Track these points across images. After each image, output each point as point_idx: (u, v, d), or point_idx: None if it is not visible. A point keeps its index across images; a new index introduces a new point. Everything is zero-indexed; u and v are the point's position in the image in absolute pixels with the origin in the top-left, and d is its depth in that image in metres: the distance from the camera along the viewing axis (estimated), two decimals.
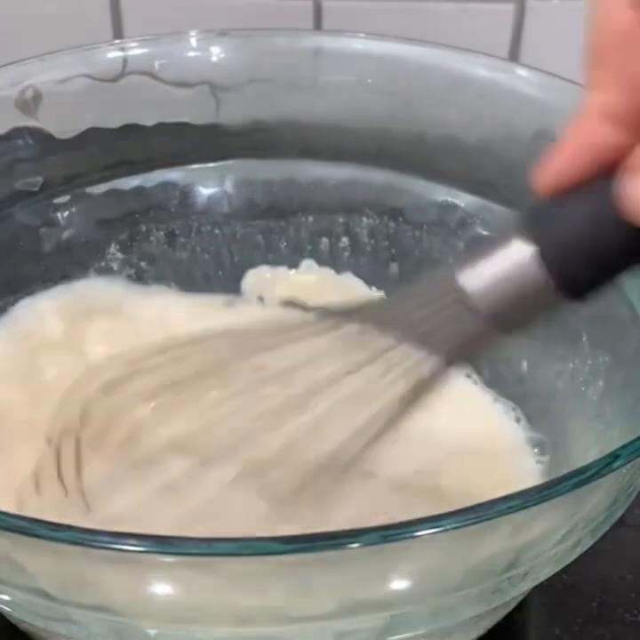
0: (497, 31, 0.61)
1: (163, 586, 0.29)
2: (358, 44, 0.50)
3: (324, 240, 0.53)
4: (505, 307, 0.30)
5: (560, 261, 0.29)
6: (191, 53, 0.51)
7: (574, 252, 0.29)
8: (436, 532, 0.27)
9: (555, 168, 0.29)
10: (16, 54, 0.48)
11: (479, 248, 0.31)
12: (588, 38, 0.28)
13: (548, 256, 0.29)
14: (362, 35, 0.50)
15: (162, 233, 0.53)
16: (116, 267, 0.53)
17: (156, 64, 0.50)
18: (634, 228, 0.28)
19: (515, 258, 0.30)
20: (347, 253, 0.53)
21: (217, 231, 0.54)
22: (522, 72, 0.47)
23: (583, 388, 0.44)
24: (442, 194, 0.51)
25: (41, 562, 0.29)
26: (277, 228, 0.54)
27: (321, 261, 0.54)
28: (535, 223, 0.30)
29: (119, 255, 0.53)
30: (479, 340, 0.31)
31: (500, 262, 0.30)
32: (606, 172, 0.28)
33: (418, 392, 0.33)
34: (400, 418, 0.34)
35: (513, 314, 0.30)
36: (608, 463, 0.29)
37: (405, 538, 0.27)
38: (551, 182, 0.29)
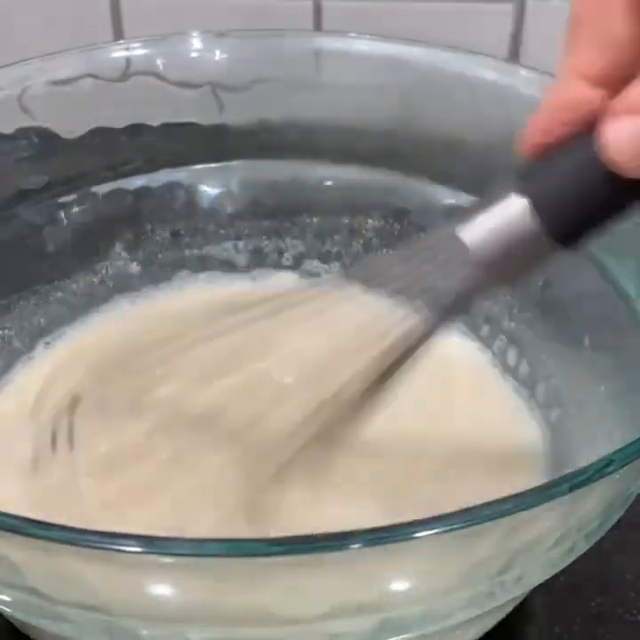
0: (497, 31, 0.61)
1: (152, 586, 0.29)
2: (363, 45, 0.50)
3: (329, 241, 0.53)
4: (502, 257, 0.32)
5: (551, 211, 0.31)
6: (195, 54, 0.51)
7: (564, 201, 0.31)
8: (428, 534, 0.27)
9: (539, 126, 0.31)
10: (16, 54, 0.48)
11: (476, 205, 0.33)
12: (571, 7, 0.30)
13: (540, 206, 0.31)
14: (367, 36, 0.50)
15: (167, 233, 0.53)
16: (120, 266, 0.53)
17: (160, 64, 0.50)
18: (617, 176, 0.30)
19: (509, 211, 0.32)
20: (352, 255, 0.53)
21: (222, 231, 0.54)
22: (525, 73, 0.47)
23: (584, 392, 0.44)
24: (447, 196, 0.51)
25: (32, 560, 0.29)
26: (282, 229, 0.54)
27: (326, 262, 0.54)
28: (526, 178, 0.32)
29: (124, 255, 0.53)
30: (477, 292, 0.33)
31: (495, 216, 0.32)
32: (589, 127, 0.30)
33: (414, 348, 0.35)
34: (397, 375, 0.35)
35: (510, 264, 0.32)
36: (602, 468, 0.29)
37: (396, 540, 0.27)
38: (537, 140, 0.31)
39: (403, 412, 0.40)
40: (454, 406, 0.47)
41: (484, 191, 0.34)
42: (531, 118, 0.31)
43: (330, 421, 0.37)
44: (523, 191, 0.31)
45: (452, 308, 0.34)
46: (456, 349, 0.49)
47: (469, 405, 0.47)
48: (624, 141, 0.29)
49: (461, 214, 0.33)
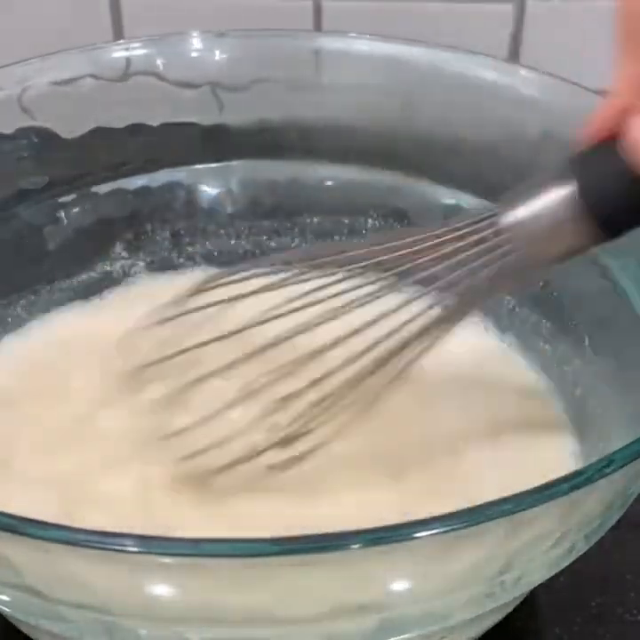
0: (497, 31, 0.61)
1: (151, 586, 0.29)
2: (363, 45, 0.50)
3: (329, 241, 0.53)
4: (545, 238, 0.34)
5: (597, 199, 0.33)
6: (195, 54, 0.51)
7: (609, 191, 0.33)
8: (427, 534, 0.27)
9: (591, 130, 0.33)
10: (16, 54, 0.48)
11: (522, 190, 0.35)
12: (617, 20, 0.32)
13: (588, 195, 0.33)
14: (367, 36, 0.50)
15: (167, 232, 0.53)
16: (120, 266, 0.53)
17: (160, 64, 0.50)
18: None
19: (556, 196, 0.34)
20: None
21: (222, 231, 0.54)
22: (526, 74, 0.47)
23: (584, 393, 0.44)
24: (447, 196, 0.51)
25: (31, 560, 0.29)
26: (282, 229, 0.54)
27: None
28: (575, 166, 0.34)
29: (124, 254, 0.53)
30: (515, 275, 0.36)
31: (543, 200, 0.34)
32: None
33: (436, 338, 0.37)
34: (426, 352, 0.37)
35: (553, 248, 0.35)
36: (602, 468, 0.29)
37: (396, 540, 0.27)
38: (591, 135, 0.33)
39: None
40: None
41: (489, 193, 0.35)
42: (587, 119, 0.34)
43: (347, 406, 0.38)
44: (571, 179, 0.34)
45: (483, 292, 0.36)
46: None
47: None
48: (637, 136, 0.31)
49: (509, 196, 0.35)
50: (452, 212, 0.50)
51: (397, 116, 0.49)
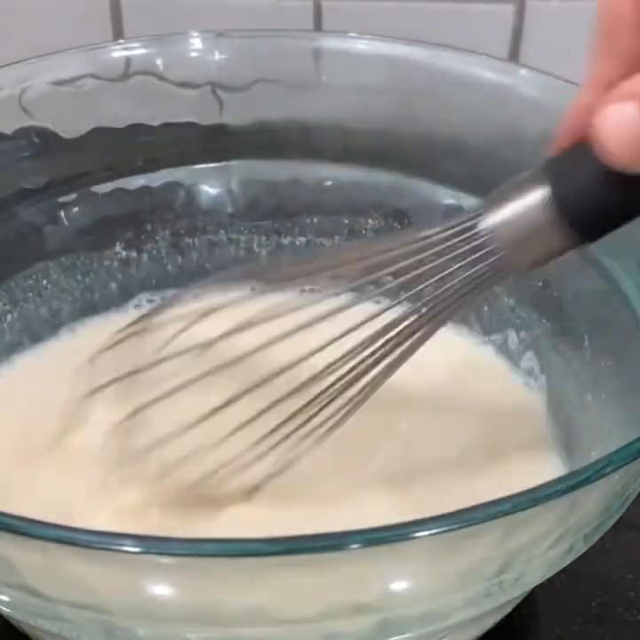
0: (497, 31, 0.61)
1: (150, 586, 0.29)
2: (363, 45, 0.50)
3: (329, 241, 0.53)
4: (521, 244, 0.34)
5: (570, 202, 0.33)
6: (195, 54, 0.51)
7: (584, 194, 0.33)
8: (426, 535, 0.27)
9: (563, 130, 0.33)
10: (16, 54, 0.48)
11: (498, 195, 0.34)
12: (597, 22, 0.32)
13: (562, 198, 0.33)
14: (367, 36, 0.50)
15: (167, 232, 0.53)
16: (120, 266, 0.53)
17: (160, 64, 0.50)
18: (622, 174, 0.31)
19: (531, 199, 0.33)
20: None
21: (222, 231, 0.54)
22: (526, 74, 0.47)
23: (584, 393, 0.44)
24: (447, 196, 0.51)
25: (30, 560, 0.29)
26: (282, 229, 0.54)
27: None
28: (550, 170, 0.33)
29: (124, 254, 0.53)
30: (491, 278, 0.35)
31: (518, 203, 0.34)
32: None
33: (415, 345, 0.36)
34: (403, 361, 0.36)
35: (529, 252, 0.34)
36: (601, 468, 0.29)
37: (395, 541, 0.27)
38: (562, 143, 0.33)
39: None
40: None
41: (489, 193, 0.35)
42: (560, 121, 0.33)
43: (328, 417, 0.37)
44: (547, 182, 0.33)
45: (461, 299, 0.35)
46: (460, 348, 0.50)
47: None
48: (610, 129, 0.30)
49: (482, 203, 0.35)
50: (452, 212, 0.50)
51: (397, 115, 0.49)
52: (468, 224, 0.34)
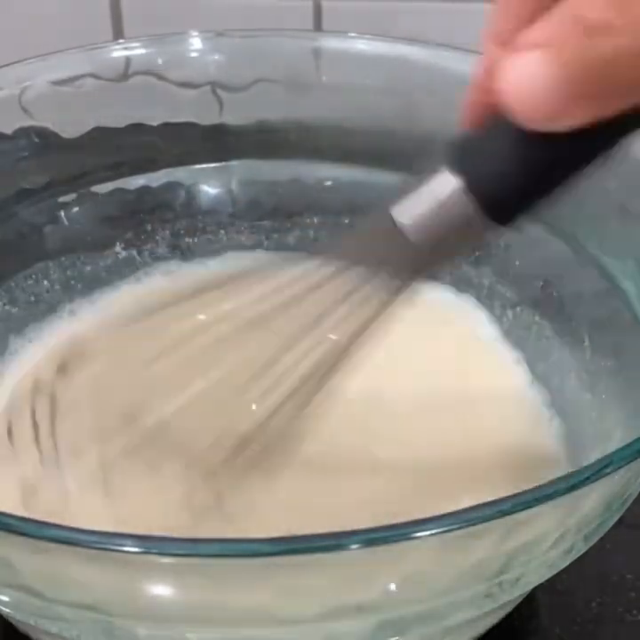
0: None
1: (150, 586, 0.29)
2: (363, 45, 0.50)
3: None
4: (437, 235, 0.31)
5: (483, 187, 0.30)
6: (195, 54, 0.51)
7: (495, 176, 0.30)
8: (426, 535, 0.27)
9: (469, 99, 0.31)
10: (16, 54, 0.48)
11: (410, 184, 0.32)
12: None
13: (471, 183, 0.30)
14: (367, 36, 0.50)
15: (167, 232, 0.53)
16: (120, 266, 0.53)
17: (161, 64, 0.50)
18: (538, 137, 0.28)
19: (441, 188, 0.31)
20: None
21: (222, 231, 0.54)
22: None
23: (584, 393, 0.44)
24: None
25: (29, 560, 0.29)
26: (282, 229, 0.54)
27: None
28: (457, 154, 0.31)
29: (124, 254, 0.53)
30: (417, 270, 0.33)
31: (428, 194, 0.31)
32: None
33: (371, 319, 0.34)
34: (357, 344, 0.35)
35: (446, 242, 0.32)
36: (601, 468, 0.29)
37: (395, 541, 0.27)
38: (470, 114, 0.31)
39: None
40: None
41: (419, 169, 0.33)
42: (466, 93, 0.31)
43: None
44: (455, 168, 0.31)
45: (395, 289, 0.33)
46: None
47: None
48: (515, 80, 0.26)
49: (396, 194, 0.32)
50: None
51: (399, 115, 0.49)
52: (380, 224, 0.32)
